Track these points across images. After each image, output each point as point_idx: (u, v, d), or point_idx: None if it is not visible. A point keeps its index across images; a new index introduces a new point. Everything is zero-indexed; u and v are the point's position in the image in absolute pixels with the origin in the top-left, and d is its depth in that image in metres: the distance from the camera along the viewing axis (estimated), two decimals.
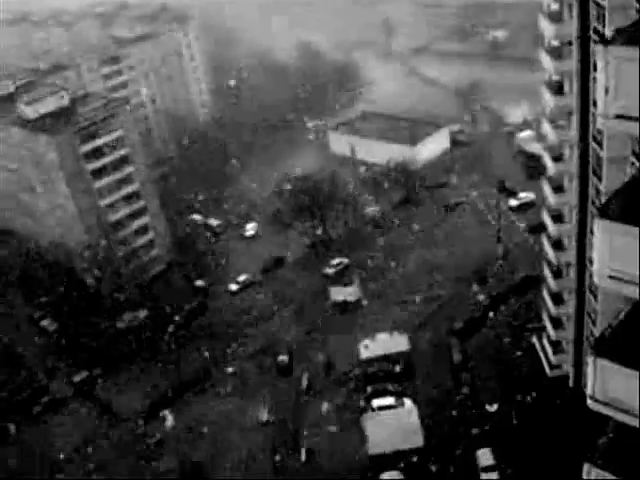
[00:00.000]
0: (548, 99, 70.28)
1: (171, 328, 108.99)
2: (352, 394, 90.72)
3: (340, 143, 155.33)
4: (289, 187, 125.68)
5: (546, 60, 68.84)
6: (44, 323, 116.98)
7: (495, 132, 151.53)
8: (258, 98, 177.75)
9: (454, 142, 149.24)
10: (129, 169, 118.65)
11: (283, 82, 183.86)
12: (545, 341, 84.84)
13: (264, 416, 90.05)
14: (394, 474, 77.14)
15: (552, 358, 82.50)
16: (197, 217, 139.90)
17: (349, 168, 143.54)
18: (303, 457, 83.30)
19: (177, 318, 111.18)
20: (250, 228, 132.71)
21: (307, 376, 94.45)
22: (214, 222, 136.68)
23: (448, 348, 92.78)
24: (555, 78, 69.79)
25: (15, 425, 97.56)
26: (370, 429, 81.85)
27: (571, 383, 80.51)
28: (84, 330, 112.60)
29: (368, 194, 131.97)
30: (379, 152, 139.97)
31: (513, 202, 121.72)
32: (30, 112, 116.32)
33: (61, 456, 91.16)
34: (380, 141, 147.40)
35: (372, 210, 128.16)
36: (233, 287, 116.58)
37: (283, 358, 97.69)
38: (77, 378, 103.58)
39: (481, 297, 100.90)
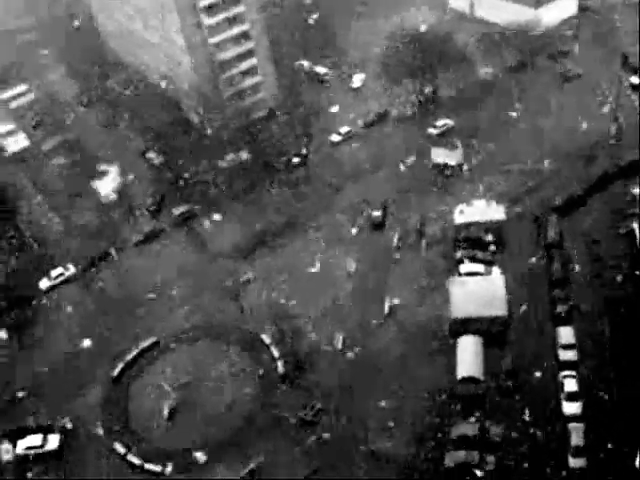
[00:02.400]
0: None
1: (272, 172, 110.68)
2: (441, 257, 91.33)
3: None
4: (403, 41, 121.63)
5: None
6: (150, 155, 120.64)
7: (629, 1, 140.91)
8: None
9: (581, 8, 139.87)
10: (240, 8, 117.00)
11: None
12: None
13: (352, 267, 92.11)
14: (472, 339, 78.57)
15: None
16: (305, 63, 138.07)
17: (466, 26, 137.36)
18: (385, 311, 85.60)
19: (278, 164, 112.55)
20: (358, 79, 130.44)
21: (399, 234, 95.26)
22: (322, 70, 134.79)
23: (544, 223, 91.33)
24: None
25: (117, 250, 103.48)
26: (455, 293, 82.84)
27: None
28: (187, 166, 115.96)
29: (483, 55, 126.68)
30: (500, 11, 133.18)
31: (635, 80, 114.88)
32: None
33: (156, 283, 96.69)
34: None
35: (485, 72, 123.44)
36: (335, 138, 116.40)
37: (377, 214, 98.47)
38: (177, 211, 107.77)
39: (585, 175, 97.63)
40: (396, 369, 79.49)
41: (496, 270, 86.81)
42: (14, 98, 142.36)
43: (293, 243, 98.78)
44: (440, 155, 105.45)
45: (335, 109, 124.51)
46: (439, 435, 72.24)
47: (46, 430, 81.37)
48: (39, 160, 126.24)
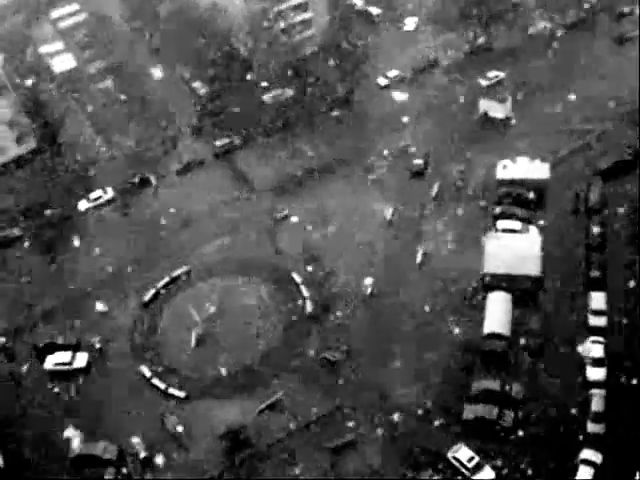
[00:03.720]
0: None
1: (315, 111, 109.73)
2: (480, 211, 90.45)
3: None
4: None
5: None
6: (196, 85, 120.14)
7: None
8: None
9: None
10: None
11: None
12: None
13: (388, 214, 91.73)
14: (502, 295, 78.23)
15: None
16: (357, 2, 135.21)
17: None
18: (418, 259, 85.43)
19: (322, 103, 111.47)
20: (410, 23, 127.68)
21: (438, 184, 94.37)
22: (374, 10, 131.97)
23: (587, 186, 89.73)
24: None
25: (157, 177, 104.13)
26: (489, 248, 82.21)
27: None
28: (232, 98, 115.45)
29: (541, 8, 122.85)
30: None
31: None
32: None
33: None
34: None
35: (542, 27, 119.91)
36: (382, 82, 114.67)
37: (418, 162, 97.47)
38: (219, 142, 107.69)
39: (635, 141, 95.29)
40: (423, 319, 79.66)
41: (534, 229, 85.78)
42: (64, 18, 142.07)
43: (331, 185, 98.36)
44: (488, 107, 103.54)
45: (385, 51, 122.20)
46: (460, 389, 72.54)
47: (75, 348, 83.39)
48: (85, 82, 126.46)
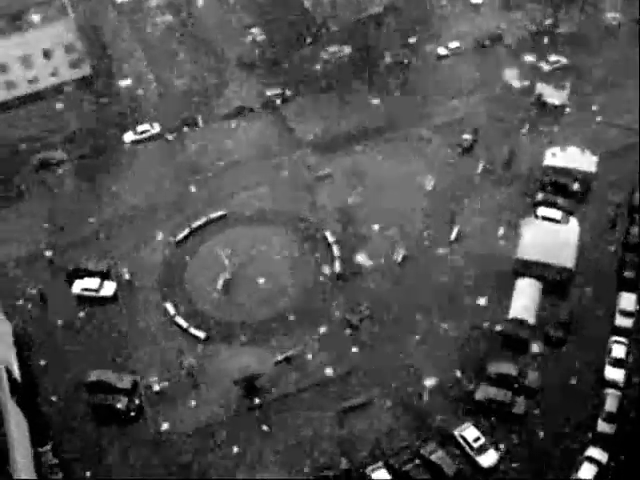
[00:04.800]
0: None
1: (371, 73, 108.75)
2: (522, 195, 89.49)
3: None
4: None
5: None
6: (253, 31, 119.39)
7: None
8: None
9: None
10: None
11: None
12: None
13: (430, 186, 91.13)
14: (532, 282, 77.73)
15: None
16: None
17: None
18: (453, 236, 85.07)
19: (379, 65, 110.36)
20: None
21: (483, 162, 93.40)
22: None
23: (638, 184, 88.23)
24: None
25: (204, 118, 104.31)
26: (526, 234, 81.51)
27: None
28: (288, 50, 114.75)
29: None
30: None
31: None
32: None
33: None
34: None
35: (612, 17, 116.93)
36: (442, 51, 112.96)
37: (467, 137, 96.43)
38: (269, 92, 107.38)
39: None
40: (449, 295, 79.56)
41: (573, 221, 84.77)
42: None
43: (376, 149, 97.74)
44: (546, 92, 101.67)
45: (449, 22, 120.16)
46: (477, 368, 72.70)
47: (104, 276, 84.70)
48: (145, 15, 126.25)
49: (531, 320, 74.57)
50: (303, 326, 78.13)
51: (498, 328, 75.21)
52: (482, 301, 78.18)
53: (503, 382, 70.37)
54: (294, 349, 75.60)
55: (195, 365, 75.06)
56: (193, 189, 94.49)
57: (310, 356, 75.36)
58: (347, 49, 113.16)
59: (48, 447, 69.81)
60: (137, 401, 73.00)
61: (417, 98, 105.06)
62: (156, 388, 73.71)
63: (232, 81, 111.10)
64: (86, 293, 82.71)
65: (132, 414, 71.88)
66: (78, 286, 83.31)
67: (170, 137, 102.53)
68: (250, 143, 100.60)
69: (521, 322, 74.43)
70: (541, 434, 67.91)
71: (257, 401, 72.07)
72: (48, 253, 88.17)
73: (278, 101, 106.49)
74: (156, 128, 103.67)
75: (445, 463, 65.42)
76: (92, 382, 73.98)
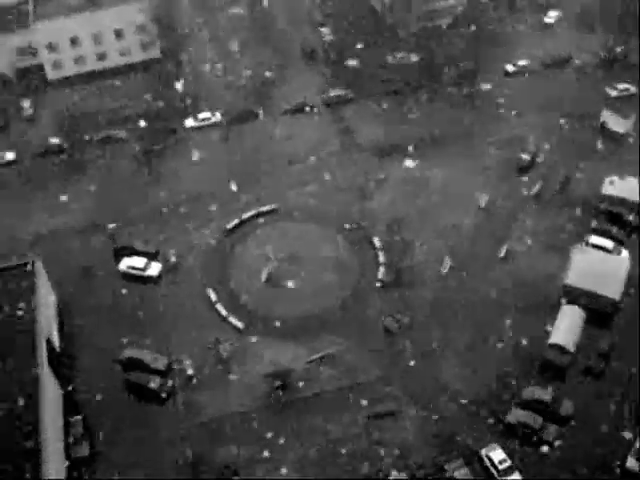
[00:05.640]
0: None
1: (437, 82, 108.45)
2: (575, 221, 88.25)
3: None
4: None
5: None
6: (323, 30, 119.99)
7: None
8: None
9: None
10: None
11: None
12: None
13: (483, 202, 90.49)
14: (576, 310, 76.58)
15: None
16: None
17: None
18: (501, 254, 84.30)
19: (446, 75, 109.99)
20: (552, 15, 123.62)
21: (541, 184, 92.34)
22: None
23: None
24: None
25: (265, 112, 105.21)
26: (576, 260, 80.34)
27: None
28: (356, 51, 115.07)
29: None
30: None
31: None
32: None
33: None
34: None
35: None
36: (509, 68, 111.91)
37: (526, 157, 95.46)
38: (332, 93, 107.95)
39: None
40: (492, 313, 78.85)
41: (625, 252, 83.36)
42: None
43: (434, 158, 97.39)
44: (610, 119, 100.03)
45: (519, 39, 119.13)
46: (510, 390, 71.91)
47: (151, 256, 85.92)
48: (216, 5, 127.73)
49: (571, 348, 73.48)
50: (341, 327, 78.19)
51: (538, 352, 74.26)
52: (524, 323, 77.24)
53: (536, 407, 69.50)
54: (329, 349, 75.72)
55: (229, 354, 75.67)
56: (247, 180, 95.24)
57: (344, 358, 75.33)
58: (414, 56, 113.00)
59: (79, 417, 71.07)
60: (170, 383, 73.88)
61: (480, 112, 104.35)
62: (189, 372, 74.51)
63: (296, 77, 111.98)
64: (132, 271, 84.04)
65: (164, 395, 72.75)
66: (125, 263, 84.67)
67: (230, 127, 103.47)
68: (308, 140, 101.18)
69: (561, 348, 73.41)
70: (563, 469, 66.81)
71: (284, 397, 72.29)
72: (110, 226, 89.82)
73: (340, 102, 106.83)
74: (217, 117, 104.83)
75: None
76: (128, 359, 75.12)
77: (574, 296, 77.74)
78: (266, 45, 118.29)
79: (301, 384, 73.22)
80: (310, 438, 69.49)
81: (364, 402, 71.60)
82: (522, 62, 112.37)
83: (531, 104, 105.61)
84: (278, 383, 72.45)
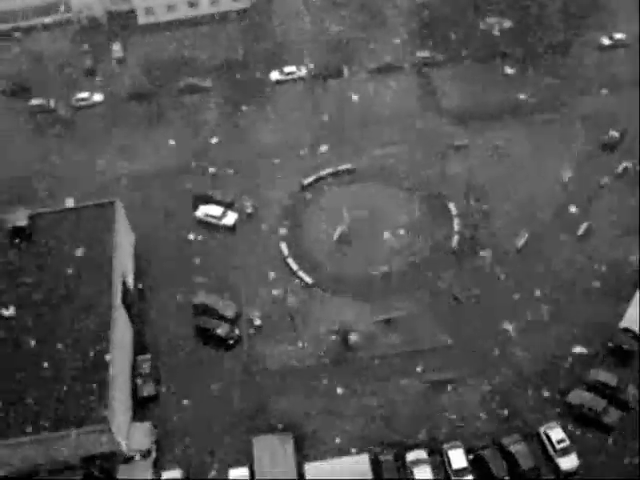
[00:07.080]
0: None
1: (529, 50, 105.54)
2: None
3: None
4: None
5: None
6: None
7: None
8: None
9: None
10: None
11: None
12: None
13: (566, 177, 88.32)
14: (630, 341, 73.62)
15: None
16: None
17: None
18: (580, 232, 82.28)
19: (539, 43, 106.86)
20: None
21: (626, 163, 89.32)
22: None
23: None
24: None
25: (350, 70, 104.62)
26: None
27: None
28: (445, 14, 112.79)
29: None
30: None
31: None
32: None
33: None
34: None
35: None
36: (605, 41, 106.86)
37: (615, 134, 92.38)
38: (420, 54, 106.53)
39: None
40: (563, 291, 77.34)
41: None
42: None
43: (521, 129, 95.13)
44: None
45: (619, 12, 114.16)
46: (576, 371, 70.88)
47: (228, 206, 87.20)
48: None
49: None
50: (409, 291, 78.10)
51: (607, 335, 72.79)
52: (595, 307, 75.52)
53: (600, 390, 68.44)
54: (396, 312, 75.87)
55: (297, 308, 76.63)
56: (328, 137, 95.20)
57: (410, 323, 75.34)
58: (507, 22, 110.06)
59: (148, 356, 73.39)
60: (237, 331, 75.43)
61: (571, 84, 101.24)
62: (257, 322, 75.88)
63: (385, 37, 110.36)
64: (208, 219, 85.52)
65: (230, 342, 74.40)
66: (202, 211, 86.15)
67: (315, 82, 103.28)
68: (392, 101, 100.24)
69: (632, 333, 71.78)
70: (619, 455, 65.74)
71: (347, 354, 72.98)
72: (211, 170, 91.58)
73: (428, 64, 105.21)
74: (302, 71, 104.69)
75: (522, 456, 64.57)
76: (199, 304, 76.91)
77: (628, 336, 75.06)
78: (357, 3, 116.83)
79: (364, 344, 73.75)
80: (369, 398, 70.20)
81: (425, 368, 71.75)
82: (618, 35, 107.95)
83: (624, 79, 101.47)
84: (342, 340, 73.19)
